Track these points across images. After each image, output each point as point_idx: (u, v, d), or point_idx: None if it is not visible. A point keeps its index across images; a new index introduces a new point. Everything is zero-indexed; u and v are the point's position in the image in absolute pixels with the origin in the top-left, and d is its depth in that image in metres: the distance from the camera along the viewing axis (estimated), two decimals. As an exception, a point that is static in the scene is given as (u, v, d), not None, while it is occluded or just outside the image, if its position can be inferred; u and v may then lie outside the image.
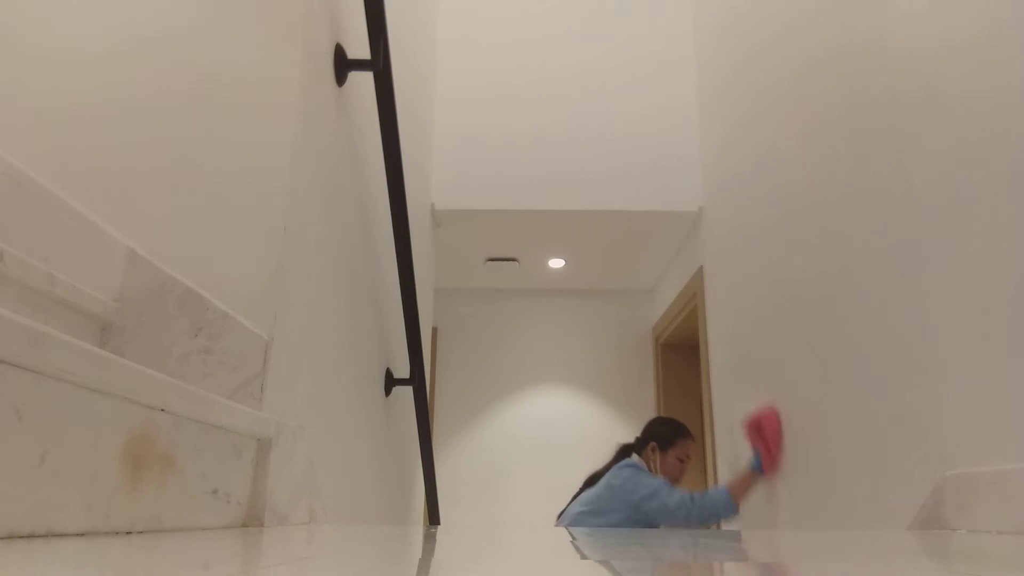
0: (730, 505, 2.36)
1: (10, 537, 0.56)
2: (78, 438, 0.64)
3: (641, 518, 2.44)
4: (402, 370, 2.30)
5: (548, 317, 4.80)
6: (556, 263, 4.33)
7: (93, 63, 1.30)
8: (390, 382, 2.16)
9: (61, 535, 0.61)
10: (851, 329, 1.86)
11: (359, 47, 1.71)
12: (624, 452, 2.74)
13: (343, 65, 1.57)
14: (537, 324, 4.78)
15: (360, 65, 1.62)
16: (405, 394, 2.41)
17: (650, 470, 2.61)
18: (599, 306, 4.80)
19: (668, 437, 2.70)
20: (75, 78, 1.30)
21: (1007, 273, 1.25)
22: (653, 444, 2.69)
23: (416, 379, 2.25)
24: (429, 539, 0.89)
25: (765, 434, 2.33)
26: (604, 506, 2.50)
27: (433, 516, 2.95)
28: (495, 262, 4.28)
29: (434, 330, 4.50)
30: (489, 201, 3.50)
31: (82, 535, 0.63)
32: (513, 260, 4.27)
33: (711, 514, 2.35)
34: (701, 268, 3.42)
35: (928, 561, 0.68)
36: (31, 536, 0.58)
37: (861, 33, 1.86)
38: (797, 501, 2.18)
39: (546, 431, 4.57)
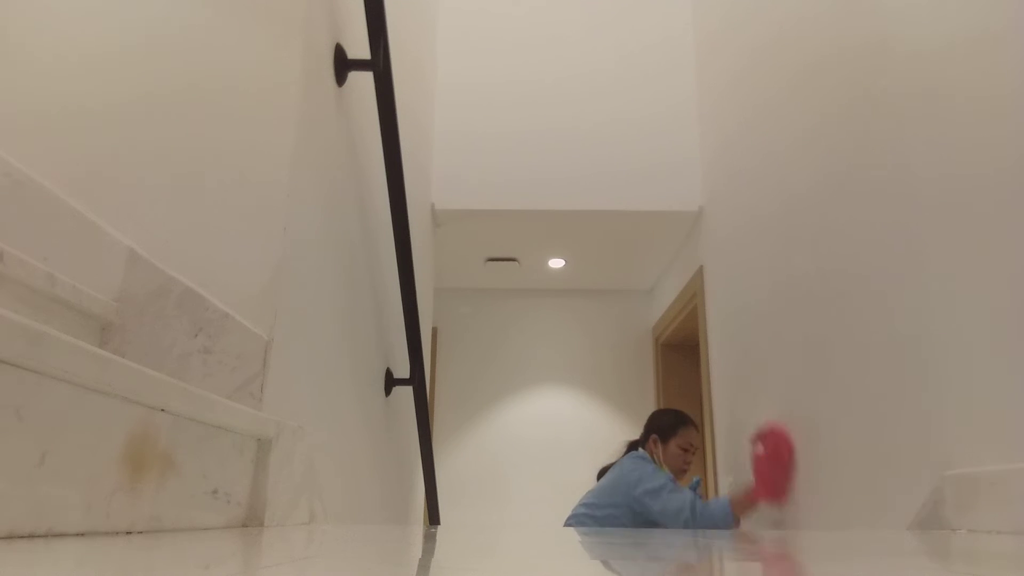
0: (729, 519, 2.33)
1: (10, 537, 0.56)
2: (78, 438, 0.64)
3: (641, 511, 2.43)
4: (402, 370, 2.30)
5: (548, 317, 4.80)
6: (556, 263, 4.33)
7: (93, 63, 1.30)
8: (390, 382, 2.16)
9: (61, 535, 0.61)
10: (851, 329, 1.86)
11: (359, 47, 1.71)
12: (631, 449, 2.74)
13: (343, 65, 1.57)
14: (537, 324, 4.78)
15: (360, 65, 1.62)
16: (405, 394, 2.41)
17: (655, 463, 2.59)
18: (599, 306, 4.80)
19: (669, 426, 2.66)
20: (75, 78, 1.30)
21: (1008, 273, 1.25)
22: (654, 436, 2.66)
23: (416, 379, 2.25)
24: (429, 539, 0.89)
25: (783, 460, 2.21)
26: (605, 499, 2.50)
27: (433, 516, 2.96)
28: (495, 262, 4.28)
29: (434, 330, 4.50)
30: (489, 201, 3.50)
31: (82, 535, 0.63)
32: (513, 260, 4.27)
33: (710, 525, 2.33)
34: (701, 268, 3.42)
35: (928, 561, 0.68)
36: (31, 536, 0.58)
37: (861, 33, 1.86)
38: (797, 501, 2.18)
39: (546, 431, 4.57)
